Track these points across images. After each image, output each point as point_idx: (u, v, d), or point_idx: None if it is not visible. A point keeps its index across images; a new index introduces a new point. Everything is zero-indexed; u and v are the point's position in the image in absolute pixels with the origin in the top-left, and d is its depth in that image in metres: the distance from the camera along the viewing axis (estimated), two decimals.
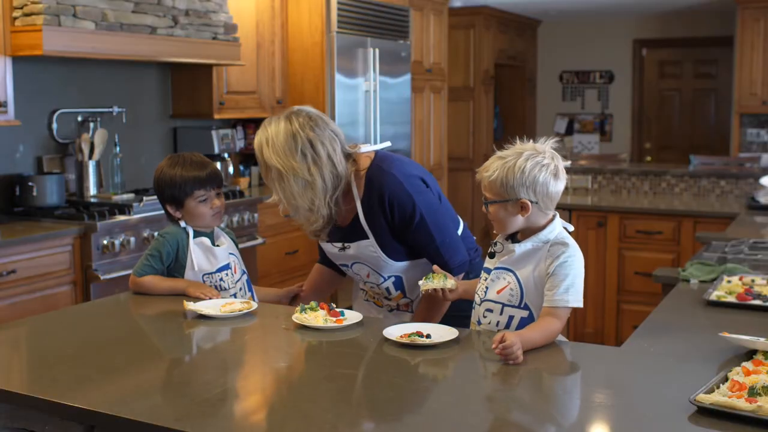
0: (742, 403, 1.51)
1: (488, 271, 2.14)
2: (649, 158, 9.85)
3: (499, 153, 2.07)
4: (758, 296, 2.45)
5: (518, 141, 2.09)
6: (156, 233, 3.98)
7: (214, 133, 4.99)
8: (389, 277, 2.50)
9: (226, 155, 5.11)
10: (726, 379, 1.67)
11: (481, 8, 8.42)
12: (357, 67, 5.60)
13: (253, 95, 5.22)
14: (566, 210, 5.20)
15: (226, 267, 2.58)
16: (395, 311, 2.61)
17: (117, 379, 1.82)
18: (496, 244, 2.14)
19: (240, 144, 5.44)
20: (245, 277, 2.67)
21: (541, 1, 8.44)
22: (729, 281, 2.65)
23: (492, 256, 2.15)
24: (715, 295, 2.49)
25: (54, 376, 1.82)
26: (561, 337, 2.07)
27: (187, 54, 4.40)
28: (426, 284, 2.24)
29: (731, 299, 2.45)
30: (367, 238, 2.43)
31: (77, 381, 1.80)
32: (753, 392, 1.56)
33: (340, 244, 2.49)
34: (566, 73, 10.18)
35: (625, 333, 4.90)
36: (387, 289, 2.53)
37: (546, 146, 2.07)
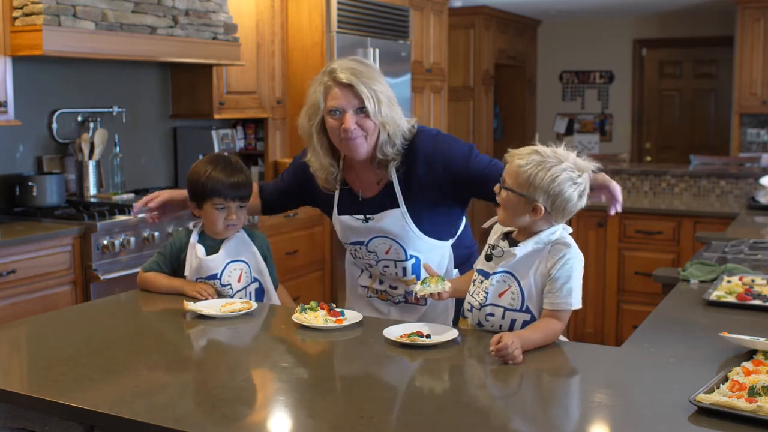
0: (742, 403, 1.51)
1: (485, 274, 2.10)
2: (649, 158, 9.85)
3: (538, 147, 2.02)
4: (758, 296, 2.45)
5: (562, 145, 2.05)
6: (156, 233, 4.02)
7: (214, 133, 4.99)
8: (411, 256, 2.48)
9: (226, 155, 5.11)
10: (726, 379, 1.67)
11: (481, 8, 8.43)
12: None
13: (253, 95, 5.22)
14: None
15: (213, 277, 2.50)
16: (402, 303, 2.57)
17: (117, 379, 1.82)
18: (495, 248, 2.09)
19: (240, 144, 5.43)
20: (254, 286, 2.56)
21: (541, 1, 8.44)
22: (729, 281, 2.65)
23: (489, 259, 2.11)
24: (715, 295, 2.49)
25: (54, 376, 1.82)
26: (561, 337, 2.07)
27: (187, 54, 4.40)
28: (423, 290, 2.16)
29: (731, 299, 2.45)
30: (398, 206, 2.44)
31: (77, 381, 1.80)
32: (753, 392, 1.56)
33: (362, 216, 2.49)
34: (566, 73, 10.18)
35: (625, 333, 4.91)
36: (404, 269, 2.49)
37: (589, 166, 2.04)
